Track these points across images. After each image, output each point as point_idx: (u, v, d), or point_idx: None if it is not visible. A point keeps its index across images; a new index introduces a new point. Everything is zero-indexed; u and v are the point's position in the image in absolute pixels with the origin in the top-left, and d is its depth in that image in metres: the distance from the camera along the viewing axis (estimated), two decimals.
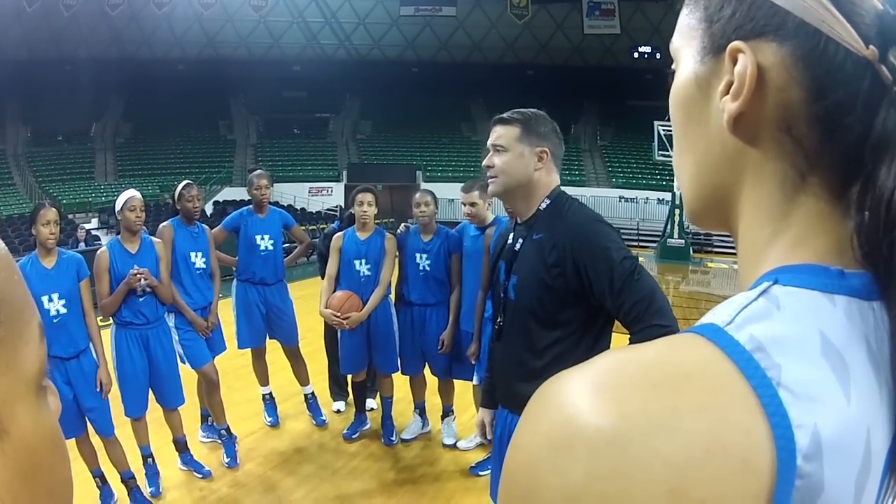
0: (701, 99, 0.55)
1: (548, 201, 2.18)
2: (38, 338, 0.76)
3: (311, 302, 5.66)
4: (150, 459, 4.14)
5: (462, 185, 4.71)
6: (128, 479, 3.94)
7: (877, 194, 0.46)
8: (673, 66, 0.61)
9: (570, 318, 2.10)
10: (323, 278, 4.93)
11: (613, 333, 2.18)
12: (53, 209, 3.61)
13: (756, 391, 0.40)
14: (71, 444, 3.62)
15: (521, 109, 2.24)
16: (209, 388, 4.57)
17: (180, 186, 4.62)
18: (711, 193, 0.57)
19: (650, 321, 1.92)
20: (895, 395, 0.45)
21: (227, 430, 4.65)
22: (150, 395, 4.17)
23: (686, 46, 0.58)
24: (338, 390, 5.71)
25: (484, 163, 2.27)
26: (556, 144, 2.20)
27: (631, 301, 1.95)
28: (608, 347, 2.17)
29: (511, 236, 2.28)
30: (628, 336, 2.02)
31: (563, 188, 2.27)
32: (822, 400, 0.41)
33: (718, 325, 0.44)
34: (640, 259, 2.14)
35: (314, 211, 27.26)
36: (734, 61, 0.51)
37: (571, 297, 2.06)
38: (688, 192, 0.59)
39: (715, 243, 24.70)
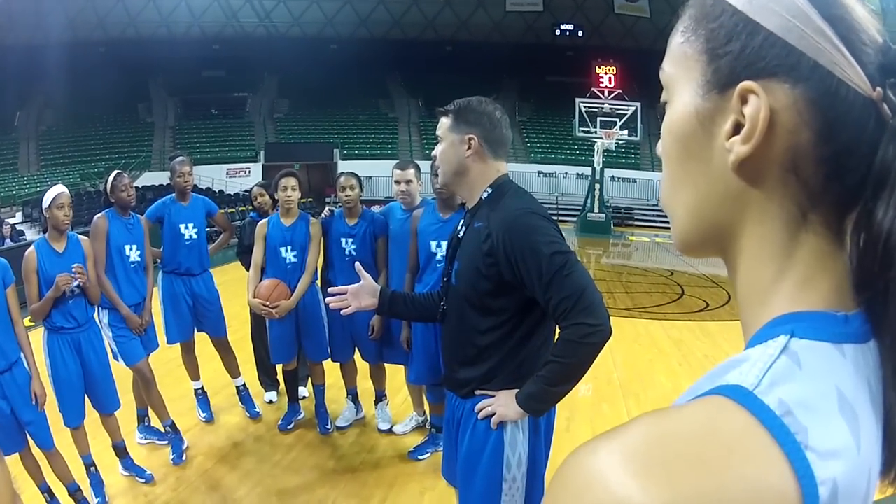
0: (703, 136, 0.54)
1: (489, 190, 2.20)
2: None
3: (233, 287, 5.52)
4: (92, 468, 3.98)
5: (396, 162, 4.68)
6: (74, 492, 3.80)
7: (874, 232, 0.47)
8: (664, 96, 0.59)
9: (504, 306, 2.12)
10: (246, 268, 4.81)
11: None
12: None
13: (789, 457, 0.43)
14: (15, 458, 3.48)
15: (461, 99, 2.26)
16: (145, 385, 4.41)
17: (111, 178, 4.39)
18: (710, 229, 0.57)
19: (577, 318, 1.94)
20: (884, 426, 0.50)
21: (172, 425, 4.53)
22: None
23: (684, 78, 0.56)
24: (268, 381, 5.63)
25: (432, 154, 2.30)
26: (488, 129, 2.19)
27: (558, 297, 1.96)
28: (546, 338, 2.20)
29: (461, 223, 2.31)
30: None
31: None
32: (839, 455, 0.45)
33: (748, 389, 0.46)
34: None
35: (232, 193, 26.55)
36: (743, 101, 0.50)
37: (506, 287, 2.08)
38: (683, 226, 0.59)
39: (636, 217, 25.36)
